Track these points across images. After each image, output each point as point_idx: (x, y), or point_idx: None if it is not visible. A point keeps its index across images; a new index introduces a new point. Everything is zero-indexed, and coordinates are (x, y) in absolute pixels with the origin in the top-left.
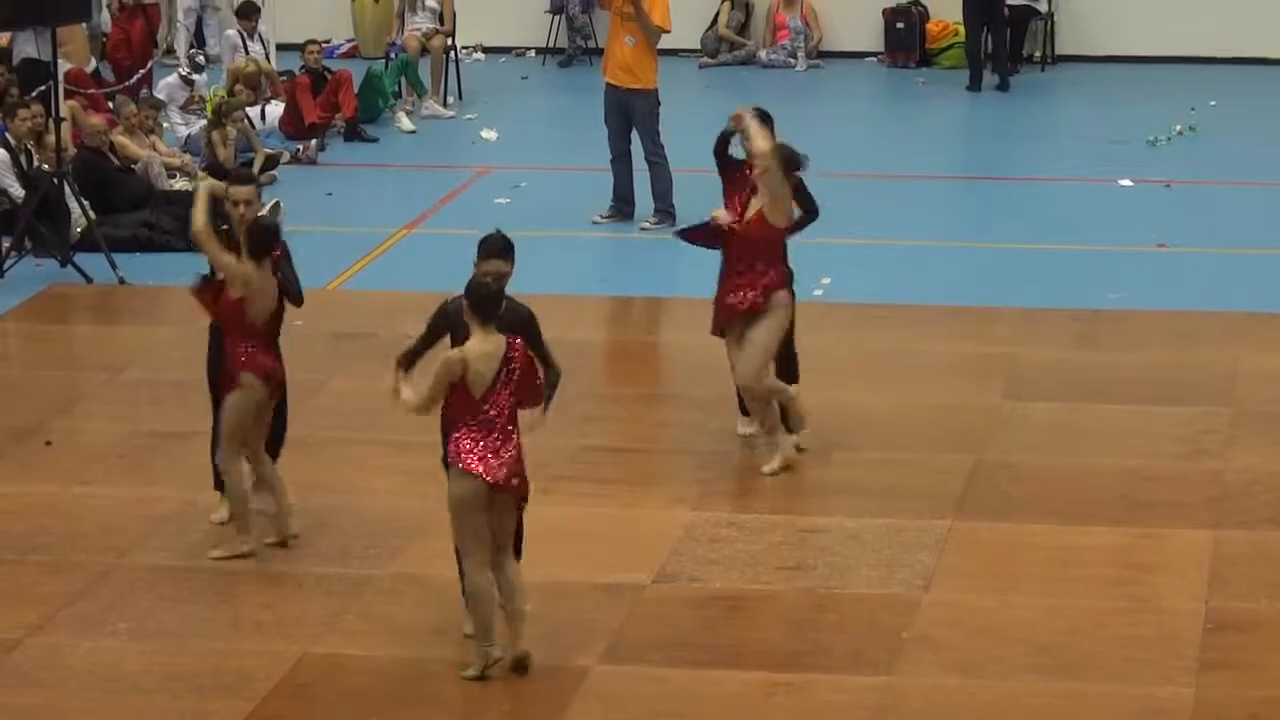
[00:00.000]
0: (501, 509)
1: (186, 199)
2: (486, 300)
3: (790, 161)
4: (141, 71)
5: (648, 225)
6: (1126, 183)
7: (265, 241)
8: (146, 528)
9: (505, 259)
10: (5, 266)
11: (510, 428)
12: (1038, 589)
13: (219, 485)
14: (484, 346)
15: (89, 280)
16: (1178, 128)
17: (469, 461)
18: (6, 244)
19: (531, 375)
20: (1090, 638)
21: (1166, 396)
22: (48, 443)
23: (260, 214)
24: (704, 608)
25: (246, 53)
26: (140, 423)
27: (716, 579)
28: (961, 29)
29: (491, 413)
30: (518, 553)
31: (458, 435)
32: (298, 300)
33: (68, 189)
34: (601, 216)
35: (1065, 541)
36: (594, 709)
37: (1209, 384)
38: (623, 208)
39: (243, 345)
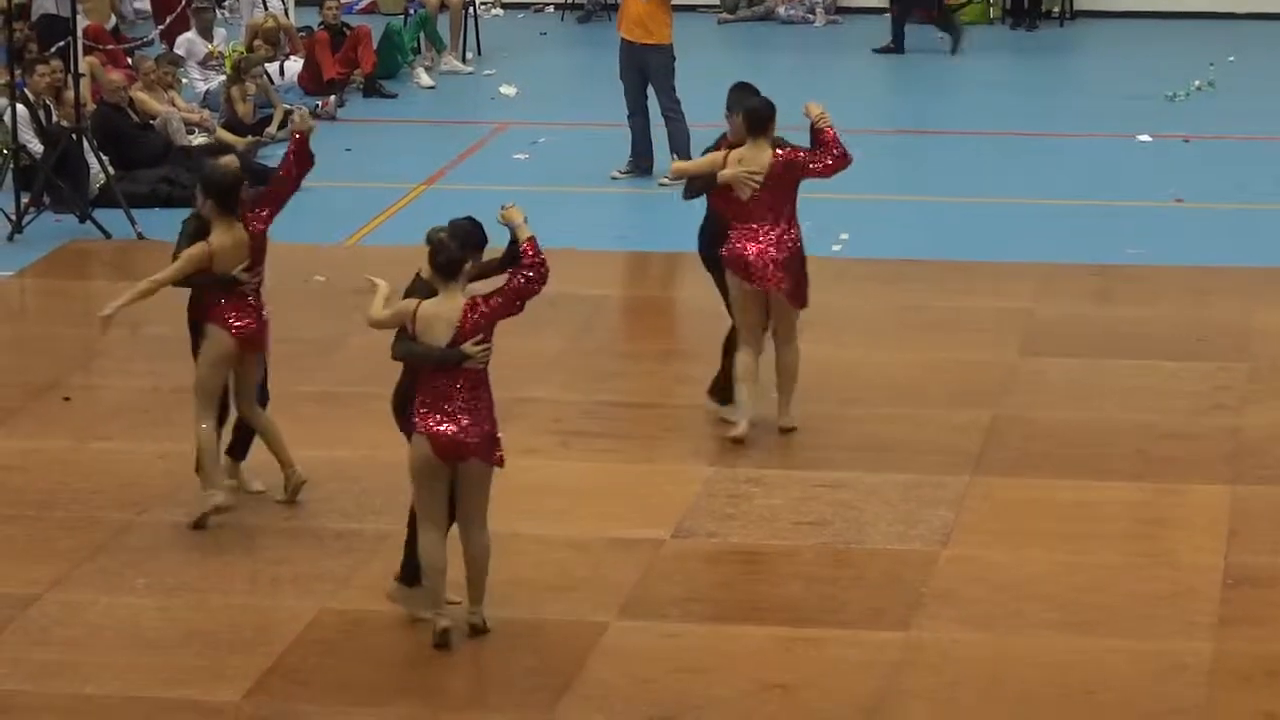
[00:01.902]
0: (466, 479)
1: (206, 153)
2: (451, 262)
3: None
4: (160, 27)
5: (666, 181)
6: (1145, 138)
7: (224, 193)
8: (165, 484)
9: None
10: (24, 222)
11: (473, 396)
12: (1055, 544)
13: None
14: (437, 309)
15: (108, 236)
16: (1196, 83)
17: (422, 425)
18: (26, 200)
19: (510, 304)
20: (1108, 593)
21: (1183, 352)
22: (66, 398)
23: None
24: (722, 563)
25: (265, 8)
26: (159, 378)
27: (734, 534)
28: None
29: (444, 381)
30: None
31: (417, 400)
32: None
33: (86, 145)
34: (620, 172)
35: (1083, 497)
36: (612, 664)
37: (1226, 339)
38: (641, 163)
39: (212, 298)
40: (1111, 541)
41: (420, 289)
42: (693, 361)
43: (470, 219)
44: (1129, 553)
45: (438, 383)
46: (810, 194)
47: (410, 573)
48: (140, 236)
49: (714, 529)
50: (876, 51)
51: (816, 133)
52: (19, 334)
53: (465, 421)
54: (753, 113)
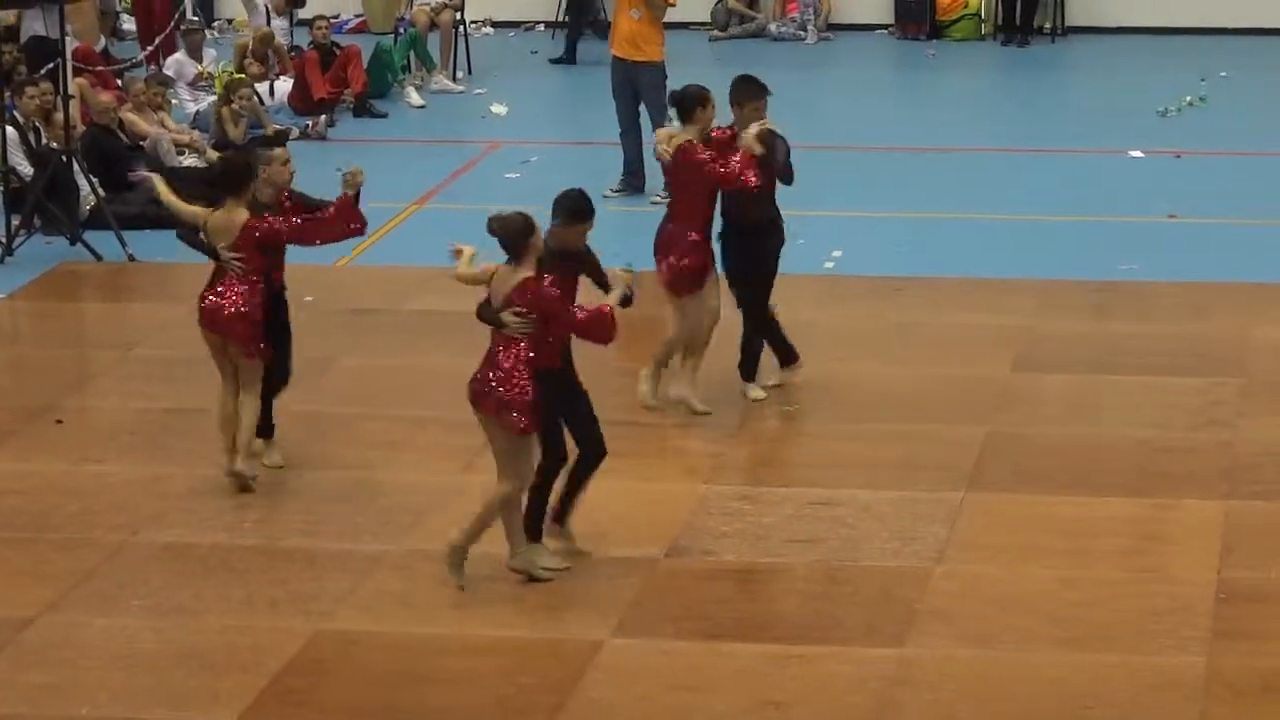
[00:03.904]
0: (488, 426)
1: (195, 175)
2: (505, 244)
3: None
4: (148, 49)
5: (659, 198)
6: (1137, 154)
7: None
8: (159, 505)
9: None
10: (15, 245)
11: (501, 354)
12: (1051, 560)
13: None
14: (504, 278)
15: (98, 258)
16: (1188, 99)
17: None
18: (16, 222)
19: (553, 319)
20: (1103, 608)
21: (1178, 367)
22: (59, 421)
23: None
24: (717, 580)
25: (268, 20)
26: (152, 400)
27: (729, 552)
28: (972, 0)
29: (494, 339)
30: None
31: None
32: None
33: (76, 166)
34: (612, 190)
35: (1078, 513)
36: (607, 682)
37: (1220, 355)
38: (633, 181)
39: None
40: (1107, 556)
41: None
42: None
43: (580, 191)
44: (1124, 568)
45: (491, 340)
46: (803, 210)
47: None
48: (131, 258)
49: (708, 547)
50: (553, 62)
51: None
52: (11, 357)
53: (489, 377)
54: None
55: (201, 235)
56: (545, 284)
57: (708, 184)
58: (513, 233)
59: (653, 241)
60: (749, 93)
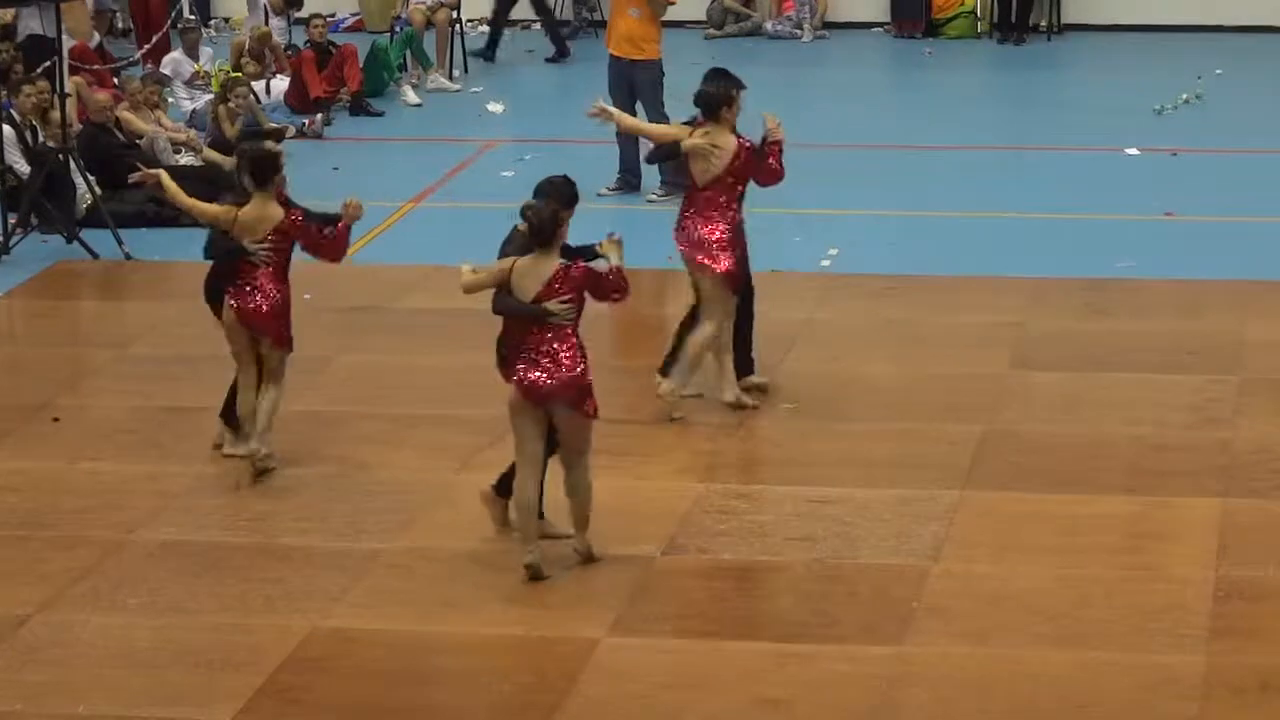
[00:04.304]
0: (558, 422)
1: (192, 174)
2: (543, 229)
3: None
4: (146, 47)
5: (654, 197)
6: (1133, 151)
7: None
8: (155, 503)
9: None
10: (11, 243)
11: (557, 345)
12: (1047, 558)
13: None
14: (531, 267)
15: (95, 256)
16: (1184, 96)
17: (511, 372)
18: (12, 220)
19: (596, 289)
20: (1100, 606)
21: (1174, 365)
22: (55, 419)
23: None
24: (713, 579)
25: (266, 19)
26: (148, 398)
27: (726, 550)
28: None
29: (533, 333)
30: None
31: (510, 349)
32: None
33: (73, 165)
34: (608, 189)
35: (1074, 511)
36: (604, 680)
37: (1217, 352)
38: (629, 180)
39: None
40: (1103, 555)
41: (517, 242)
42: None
43: (565, 177)
44: (1120, 566)
45: (528, 334)
46: (799, 209)
47: (503, 484)
48: (128, 257)
49: (705, 545)
50: (548, 60)
51: (771, 144)
52: (8, 355)
53: (549, 369)
54: (706, 96)
55: (226, 232)
56: (579, 265)
57: (745, 180)
58: (546, 221)
59: (686, 240)
60: (726, 86)
